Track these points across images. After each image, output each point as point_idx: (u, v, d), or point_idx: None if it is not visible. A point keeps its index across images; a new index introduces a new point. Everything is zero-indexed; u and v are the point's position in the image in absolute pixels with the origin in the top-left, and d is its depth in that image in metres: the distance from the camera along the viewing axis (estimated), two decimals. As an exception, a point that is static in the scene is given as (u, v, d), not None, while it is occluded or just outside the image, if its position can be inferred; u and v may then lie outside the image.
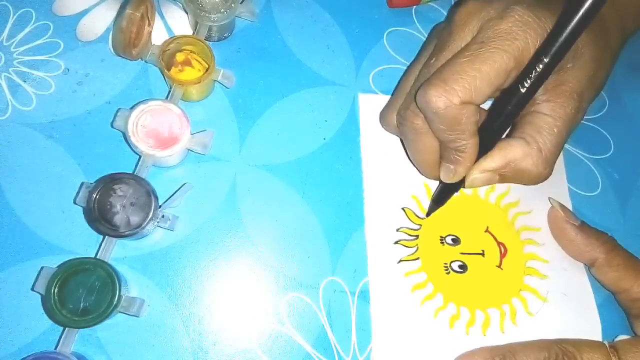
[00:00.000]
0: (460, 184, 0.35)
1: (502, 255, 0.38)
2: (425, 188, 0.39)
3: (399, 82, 0.38)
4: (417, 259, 0.37)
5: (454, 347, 0.35)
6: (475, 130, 0.32)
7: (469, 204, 0.39)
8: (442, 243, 0.38)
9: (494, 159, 0.33)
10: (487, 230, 0.38)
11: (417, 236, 0.37)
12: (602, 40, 0.34)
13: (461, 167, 0.33)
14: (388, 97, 0.39)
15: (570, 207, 0.40)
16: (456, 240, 0.38)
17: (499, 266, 0.38)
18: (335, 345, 0.35)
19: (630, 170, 0.43)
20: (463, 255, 0.38)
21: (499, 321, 0.36)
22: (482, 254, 0.38)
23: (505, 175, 0.34)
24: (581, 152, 0.42)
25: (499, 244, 0.38)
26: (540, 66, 0.30)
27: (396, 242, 0.37)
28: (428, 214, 0.38)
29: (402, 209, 0.38)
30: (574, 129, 0.34)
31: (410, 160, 0.37)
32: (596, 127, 0.44)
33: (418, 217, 0.38)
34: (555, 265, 0.38)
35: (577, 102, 0.33)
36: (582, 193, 0.41)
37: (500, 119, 0.33)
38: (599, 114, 0.44)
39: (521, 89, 0.31)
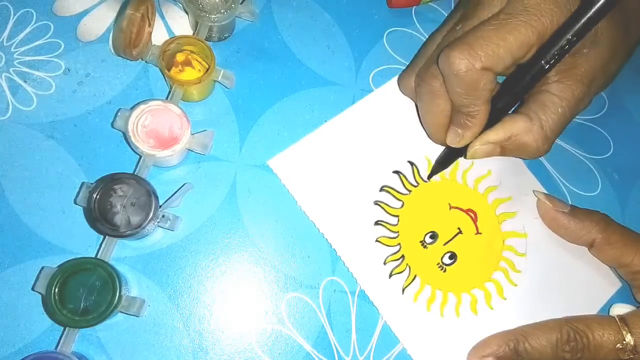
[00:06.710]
0: (464, 150, 0.36)
1: (475, 220, 0.38)
2: (383, 209, 0.37)
3: (420, 48, 0.39)
4: (415, 277, 0.37)
5: (490, 328, 0.36)
6: (488, 99, 0.33)
7: (421, 195, 0.38)
8: (424, 246, 0.37)
9: (497, 132, 0.34)
10: (451, 207, 0.38)
11: (403, 256, 0.37)
12: (621, 30, 0.35)
13: (469, 133, 0.34)
14: (295, 148, 0.38)
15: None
16: (434, 235, 0.38)
17: (478, 232, 0.38)
18: (335, 345, 0.35)
19: (630, 170, 0.43)
20: (446, 245, 0.38)
21: (506, 279, 0.37)
22: (460, 232, 0.38)
23: (506, 148, 0.35)
24: (581, 152, 0.42)
25: (467, 212, 0.38)
26: (566, 45, 0.31)
27: (390, 276, 0.36)
28: (430, 176, 0.38)
29: (377, 240, 0.37)
30: (578, 113, 0.35)
31: (421, 122, 0.38)
32: (596, 127, 0.44)
33: (391, 238, 0.37)
34: (517, 196, 0.39)
35: (586, 87, 0.34)
36: (582, 193, 0.41)
37: (511, 94, 0.34)
38: (599, 114, 0.44)
39: (544, 65, 0.31)
